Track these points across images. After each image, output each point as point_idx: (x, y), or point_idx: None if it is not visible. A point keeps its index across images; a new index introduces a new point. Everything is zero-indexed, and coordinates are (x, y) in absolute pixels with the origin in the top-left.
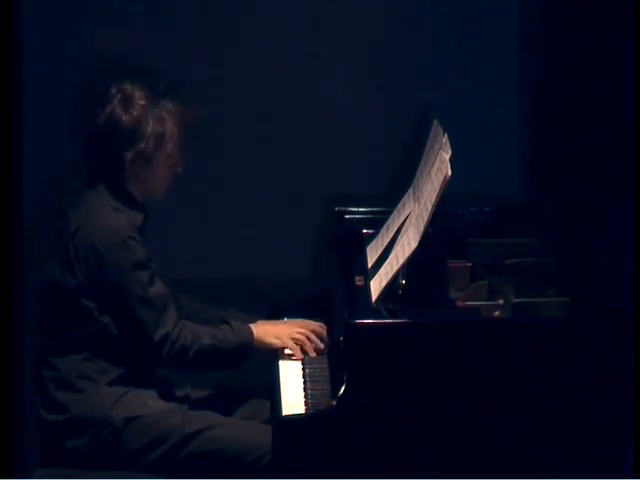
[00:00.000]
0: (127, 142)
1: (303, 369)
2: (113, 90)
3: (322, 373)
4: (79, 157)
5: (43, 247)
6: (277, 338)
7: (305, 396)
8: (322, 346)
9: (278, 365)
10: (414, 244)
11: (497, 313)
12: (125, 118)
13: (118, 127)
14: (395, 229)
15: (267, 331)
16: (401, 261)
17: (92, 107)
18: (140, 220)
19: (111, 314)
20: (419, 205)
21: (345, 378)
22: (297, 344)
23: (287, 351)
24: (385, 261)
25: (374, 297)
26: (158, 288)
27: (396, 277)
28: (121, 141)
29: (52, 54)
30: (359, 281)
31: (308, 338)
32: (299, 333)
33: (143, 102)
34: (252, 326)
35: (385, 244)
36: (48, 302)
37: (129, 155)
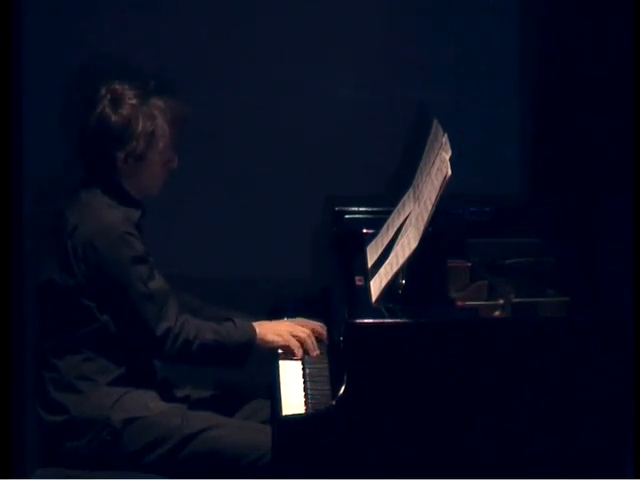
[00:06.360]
0: (118, 142)
1: (303, 369)
2: (103, 90)
3: (322, 373)
4: (74, 157)
5: (43, 247)
6: (279, 336)
7: (305, 396)
8: (317, 352)
9: (278, 365)
10: (414, 244)
11: (497, 313)
12: (115, 118)
13: (108, 127)
14: (395, 229)
15: (269, 329)
16: (401, 261)
17: (83, 107)
18: (137, 216)
19: (111, 312)
20: (419, 205)
21: (345, 378)
22: (299, 342)
23: (291, 345)
24: (385, 261)
25: (374, 297)
26: (158, 282)
27: (396, 277)
28: (112, 141)
29: (52, 54)
30: (359, 281)
31: (309, 337)
32: (301, 332)
33: (133, 101)
34: (254, 324)
35: (385, 244)
36: (47, 302)
37: (121, 155)
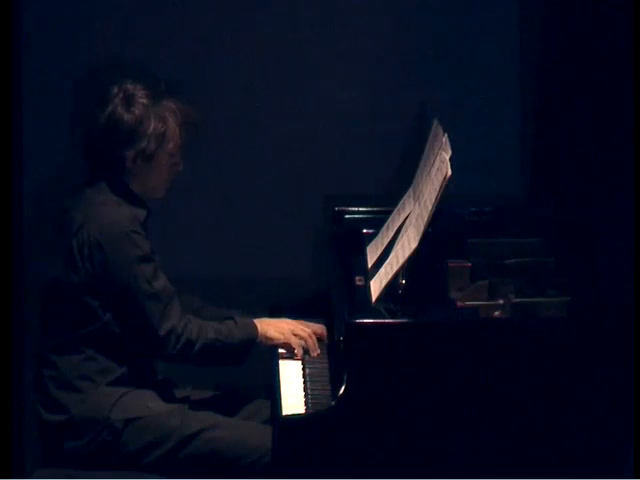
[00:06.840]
0: (128, 141)
1: (303, 369)
2: (115, 89)
3: (322, 373)
4: (79, 156)
5: (43, 246)
6: (280, 333)
7: (305, 396)
8: (318, 351)
9: (278, 365)
10: (414, 244)
11: (497, 313)
12: (127, 117)
13: (119, 126)
14: (395, 229)
15: (270, 326)
16: (401, 261)
17: (92, 106)
18: (143, 215)
19: (115, 310)
20: (419, 205)
21: (345, 378)
22: (300, 341)
23: (293, 343)
24: (385, 261)
25: (374, 297)
26: (163, 282)
27: (396, 277)
28: (122, 140)
29: (52, 54)
30: (359, 281)
31: (310, 337)
32: (302, 330)
33: (145, 101)
34: (256, 321)
35: (385, 244)
36: (50, 301)
37: (130, 154)
